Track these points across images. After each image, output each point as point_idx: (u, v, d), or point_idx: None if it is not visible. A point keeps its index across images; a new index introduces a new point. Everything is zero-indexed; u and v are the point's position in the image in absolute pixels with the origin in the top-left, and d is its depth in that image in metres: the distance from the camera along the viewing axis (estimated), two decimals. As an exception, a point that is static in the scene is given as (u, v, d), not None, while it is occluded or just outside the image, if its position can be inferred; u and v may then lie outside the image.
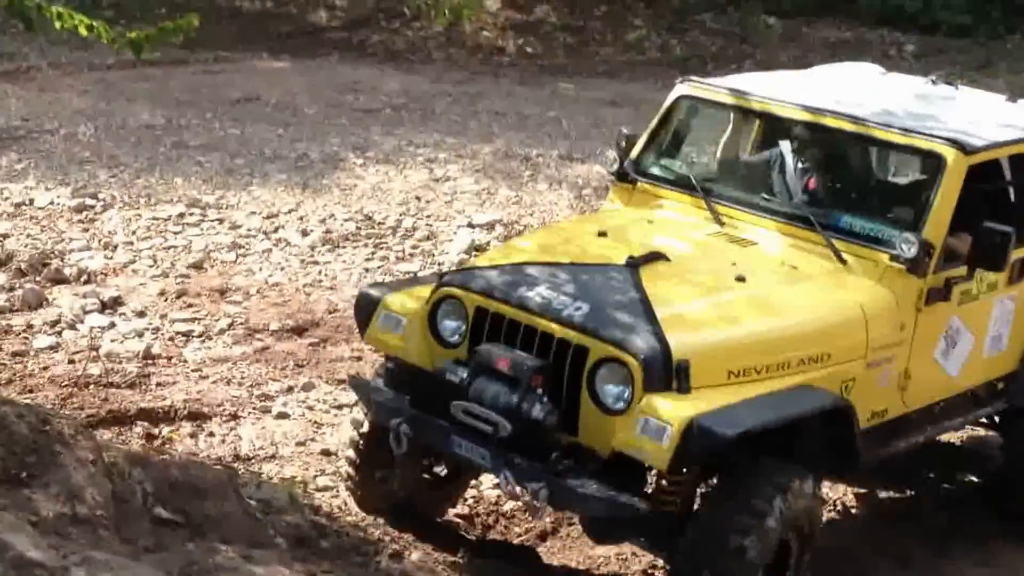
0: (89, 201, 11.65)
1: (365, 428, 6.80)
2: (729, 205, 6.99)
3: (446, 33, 19.01)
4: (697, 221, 6.95)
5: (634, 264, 6.25)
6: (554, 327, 5.94)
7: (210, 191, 12.33)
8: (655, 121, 7.49)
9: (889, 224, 6.63)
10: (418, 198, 12.49)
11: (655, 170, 7.34)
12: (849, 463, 6.29)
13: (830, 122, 7.01)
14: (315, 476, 7.80)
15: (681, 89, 7.48)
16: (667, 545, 6.04)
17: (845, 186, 7.18)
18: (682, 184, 7.18)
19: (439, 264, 11.08)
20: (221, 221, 11.61)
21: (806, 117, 7.09)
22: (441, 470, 7.04)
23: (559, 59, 17.89)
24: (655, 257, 6.35)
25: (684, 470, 5.90)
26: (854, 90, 7.51)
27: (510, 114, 15.20)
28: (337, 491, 7.61)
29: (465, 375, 6.01)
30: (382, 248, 11.37)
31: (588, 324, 5.88)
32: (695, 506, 6.15)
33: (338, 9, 19.77)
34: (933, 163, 6.67)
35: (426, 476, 7.03)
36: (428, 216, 12.09)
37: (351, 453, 6.97)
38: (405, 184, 12.84)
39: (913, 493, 8.35)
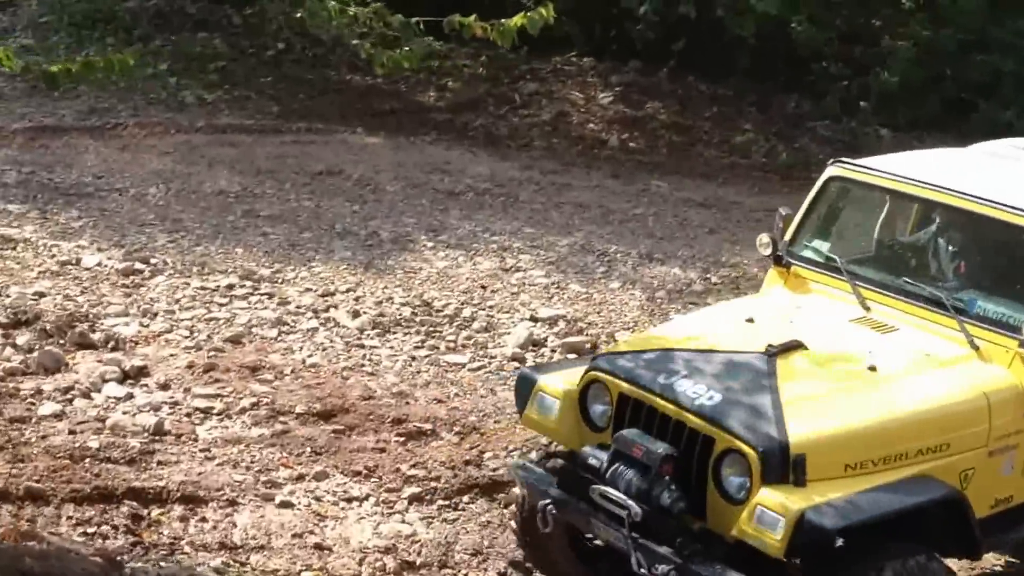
0: (139, 265, 11.44)
1: (524, 503, 7.17)
2: (875, 290, 7.16)
3: (553, 123, 18.66)
4: (843, 306, 7.13)
5: (772, 353, 6.51)
6: (686, 416, 6.27)
7: (268, 264, 12.05)
8: (806, 203, 7.66)
9: (1019, 309, 6.72)
10: (483, 287, 12.08)
11: (807, 253, 7.55)
12: (971, 550, 6.44)
13: (966, 205, 7.11)
14: (300, 571, 7.35)
15: (832, 171, 7.63)
16: None
17: (982, 269, 7.25)
18: (832, 268, 7.36)
19: (491, 358, 10.63)
20: (271, 296, 11.31)
21: (944, 199, 7.23)
22: (595, 541, 7.16)
23: (659, 157, 17.42)
24: (794, 346, 6.58)
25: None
26: (1002, 167, 7.58)
27: (595, 207, 14.74)
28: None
29: (605, 460, 6.40)
30: (434, 336, 10.96)
31: (716, 414, 6.19)
32: None
33: (448, 91, 19.54)
34: None
35: (581, 547, 7.27)
36: (490, 307, 11.66)
37: (515, 524, 7.46)
38: (473, 271, 12.45)
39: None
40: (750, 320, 7.04)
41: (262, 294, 11.31)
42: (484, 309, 11.56)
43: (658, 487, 6.20)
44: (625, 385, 6.56)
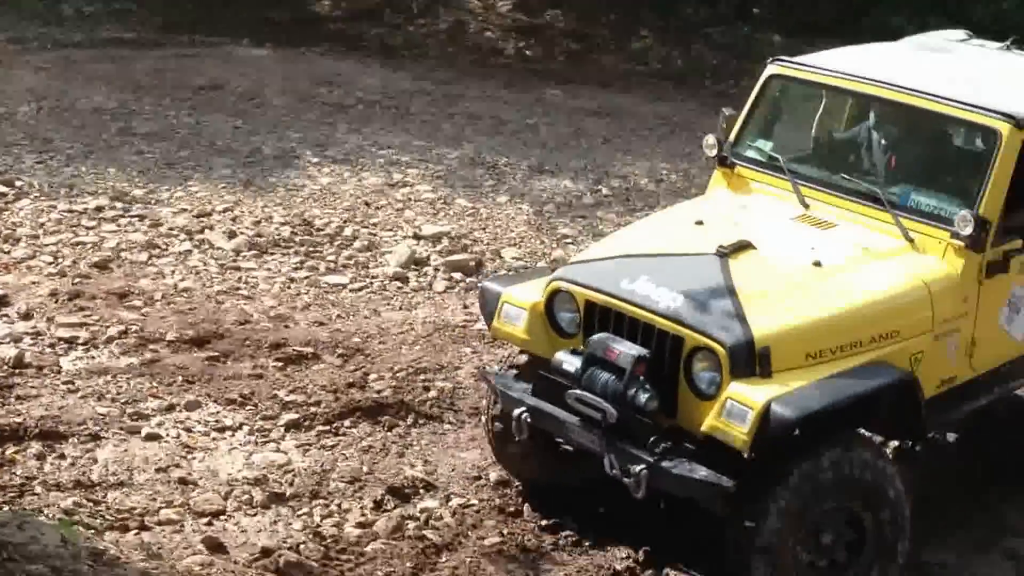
0: (2, 188, 10.97)
1: (496, 411, 7.33)
2: (815, 187, 7.38)
3: (449, 31, 18.30)
4: (785, 205, 7.37)
5: (724, 254, 6.77)
6: (654, 318, 6.52)
7: (142, 184, 11.67)
8: (748, 104, 7.79)
9: (951, 201, 6.99)
10: (367, 204, 11.78)
11: (750, 153, 7.73)
12: (917, 430, 6.85)
13: (897, 97, 7.34)
14: (159, 508, 7.08)
15: (772, 69, 7.80)
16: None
17: (914, 162, 7.49)
18: (773, 166, 7.57)
19: (372, 278, 10.36)
20: (143, 218, 10.92)
21: (882, 93, 7.43)
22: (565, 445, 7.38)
23: (556, 65, 17.15)
24: (743, 246, 6.84)
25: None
26: (928, 62, 7.80)
27: (487, 118, 14.44)
28: (182, 525, 6.92)
29: (579, 365, 6.61)
30: (314, 257, 10.66)
31: (682, 315, 6.47)
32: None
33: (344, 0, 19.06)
34: (990, 138, 6.95)
35: (556, 451, 7.41)
36: (374, 224, 11.37)
37: (487, 434, 7.61)
38: (358, 188, 12.14)
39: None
40: (699, 223, 7.23)
41: (133, 216, 10.93)
42: (367, 227, 11.26)
43: (633, 387, 6.42)
44: (591, 293, 6.79)
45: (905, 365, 6.67)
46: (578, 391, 6.62)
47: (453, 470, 7.92)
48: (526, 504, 7.60)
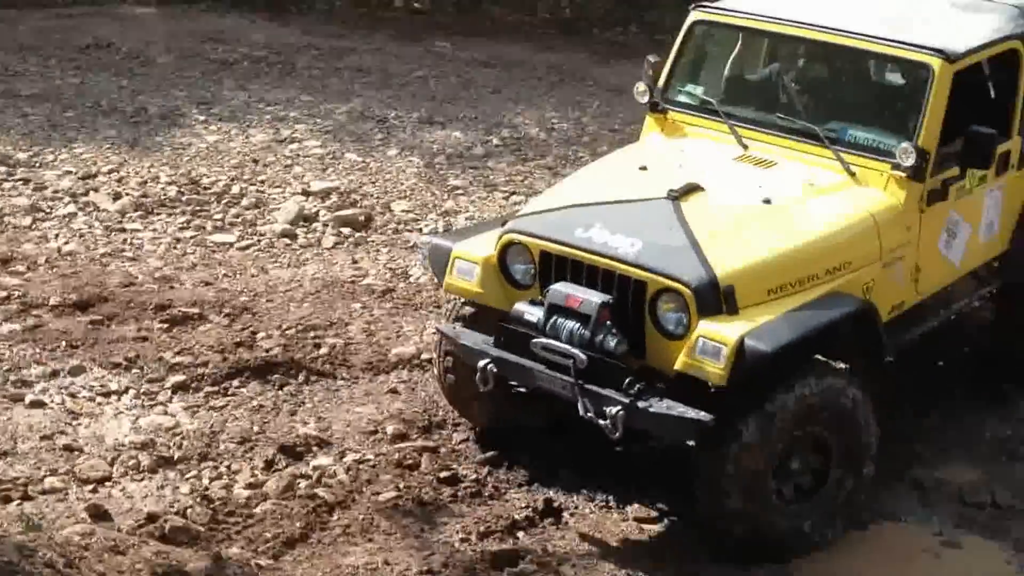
0: None
1: (449, 364, 7.47)
2: (751, 127, 7.56)
3: (338, -17, 18.01)
4: (723, 146, 7.52)
5: (675, 197, 6.92)
6: (614, 265, 6.65)
7: (26, 147, 11.48)
8: (674, 50, 7.92)
9: (889, 134, 7.23)
10: (255, 161, 11.65)
11: (682, 98, 7.89)
12: (877, 355, 6.96)
13: (828, 38, 7.55)
14: (44, 477, 6.97)
15: (694, 15, 7.91)
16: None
17: (848, 100, 7.69)
18: (707, 110, 7.73)
19: (260, 236, 10.24)
20: (27, 181, 10.72)
21: (805, 34, 7.63)
22: (519, 389, 7.46)
23: (445, 16, 16.98)
24: (692, 188, 6.99)
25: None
26: (855, 2, 7.93)
27: (376, 72, 14.29)
28: (66, 493, 6.82)
29: (540, 315, 6.73)
30: (201, 216, 10.54)
31: (644, 260, 6.61)
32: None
33: (230, -46, 18.67)
34: (922, 73, 7.21)
35: (515, 395, 7.46)
36: (261, 181, 11.25)
37: (443, 388, 7.73)
38: (245, 145, 12.00)
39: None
40: (643, 168, 7.37)
41: (17, 180, 10.75)
42: (255, 184, 11.15)
43: (600, 332, 6.57)
44: (546, 244, 6.90)
45: (859, 294, 6.92)
46: (544, 340, 6.72)
47: (348, 426, 7.87)
48: (423, 457, 7.58)
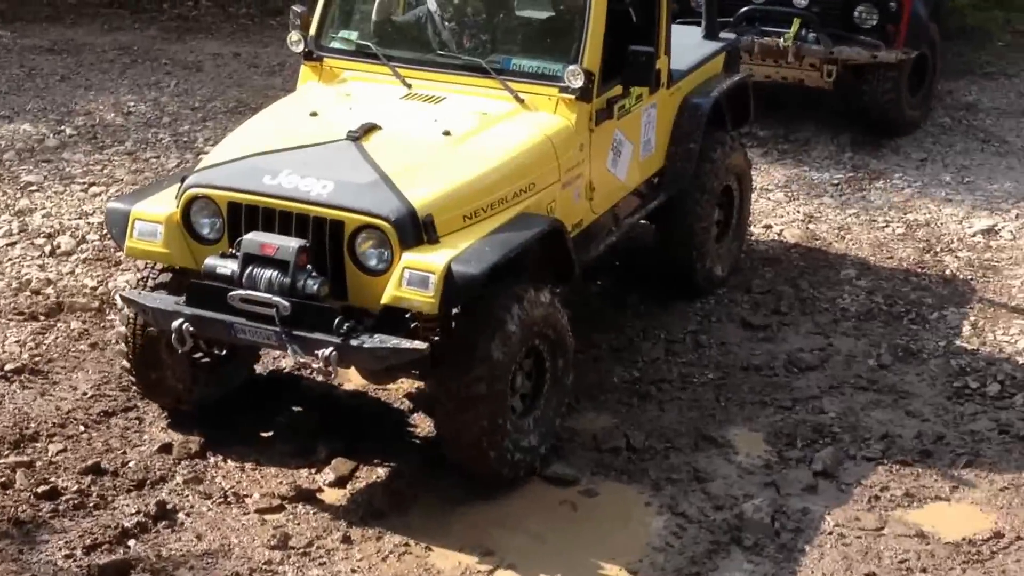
0: None
1: (129, 336, 7.23)
2: (411, 67, 7.71)
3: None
4: (388, 88, 7.66)
5: (355, 137, 7.02)
6: (308, 208, 6.63)
7: None
8: None
9: (552, 60, 7.54)
10: None
11: (336, 44, 7.98)
12: (568, 271, 7.26)
13: None
14: None
15: None
16: (434, 371, 6.83)
17: (508, 30, 7.92)
18: (363, 53, 7.87)
19: None
20: None
21: None
22: (219, 352, 7.50)
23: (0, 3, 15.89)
24: (370, 128, 7.10)
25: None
26: None
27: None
28: None
29: (235, 267, 6.58)
30: None
31: (338, 199, 6.63)
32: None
33: None
34: None
35: (205, 361, 7.44)
36: None
37: (125, 364, 7.41)
38: None
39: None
40: (314, 114, 7.42)
41: None
42: None
43: (301, 277, 6.51)
44: (234, 194, 6.79)
45: (545, 214, 7.20)
46: (241, 291, 6.56)
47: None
48: (17, 473, 6.95)
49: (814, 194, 10.76)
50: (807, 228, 10.12)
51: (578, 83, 7.34)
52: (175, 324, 6.67)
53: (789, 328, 8.71)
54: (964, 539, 6.72)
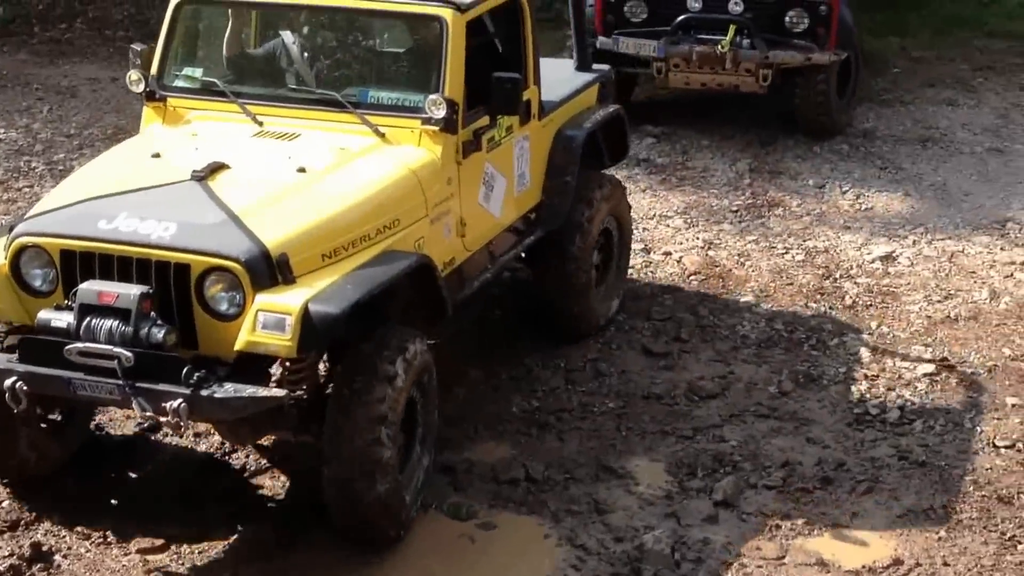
0: None
1: None
2: (262, 103, 7.47)
3: None
4: (237, 126, 7.39)
5: (201, 177, 6.71)
6: (150, 252, 6.32)
7: None
8: (163, 34, 7.68)
9: (412, 91, 7.39)
10: None
11: (180, 82, 7.69)
12: (439, 312, 7.05)
13: (330, 2, 7.62)
14: None
15: None
16: (310, 428, 6.56)
17: (364, 62, 7.82)
18: (210, 91, 7.59)
19: None
20: None
21: (302, 1, 7.67)
22: (55, 416, 7.19)
23: None
24: (218, 167, 6.80)
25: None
26: None
27: None
28: None
29: (71, 319, 6.25)
30: None
31: (182, 241, 6.32)
32: (326, 387, 6.73)
33: None
34: (436, 26, 7.36)
35: (43, 426, 7.11)
36: None
37: None
38: None
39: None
40: (156, 155, 7.12)
41: None
42: None
43: (144, 325, 6.21)
44: (68, 242, 6.48)
45: (413, 251, 7.01)
46: (79, 344, 6.21)
47: None
48: None
49: (713, 220, 10.78)
50: (707, 255, 10.13)
51: (440, 113, 7.17)
52: (7, 383, 6.29)
53: (690, 356, 8.72)
54: (864, 567, 6.73)
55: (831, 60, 11.91)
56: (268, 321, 6.15)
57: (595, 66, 9.24)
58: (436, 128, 7.22)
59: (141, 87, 7.56)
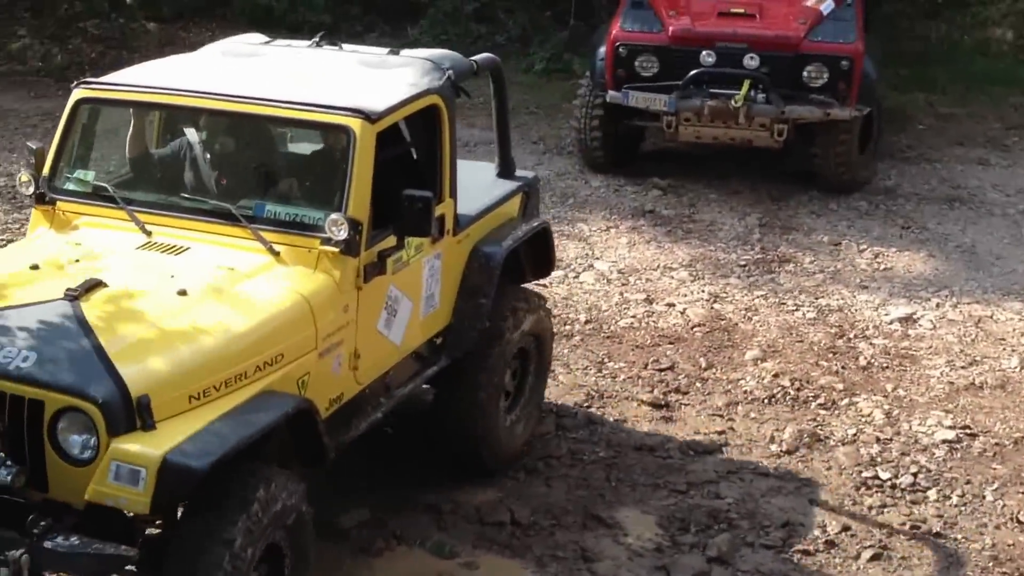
0: None
1: None
2: (153, 212, 6.95)
3: None
4: (124, 235, 6.88)
5: (74, 297, 6.20)
6: (3, 385, 5.83)
7: None
8: (58, 133, 7.25)
9: (313, 207, 6.80)
10: None
11: (71, 186, 7.19)
12: (319, 456, 6.47)
13: (230, 107, 7.03)
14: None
15: (78, 93, 7.25)
16: (160, 570, 6.00)
17: (263, 173, 7.23)
18: (100, 196, 7.08)
19: None
20: None
21: (203, 104, 7.10)
22: None
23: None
24: (94, 285, 6.30)
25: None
26: (249, 66, 7.54)
27: None
28: None
29: None
30: None
31: (38, 375, 5.83)
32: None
33: None
34: (342, 137, 6.82)
35: None
36: None
37: None
38: None
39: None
40: (35, 267, 6.61)
41: None
42: None
43: None
44: None
45: (293, 390, 6.43)
46: None
47: None
48: None
49: (720, 274, 10.58)
50: (712, 308, 9.90)
51: (341, 235, 6.56)
52: None
53: (688, 408, 8.49)
54: (872, 638, 6.44)
55: (852, 116, 11.86)
56: (122, 472, 5.66)
57: (518, 172, 8.49)
58: (336, 250, 6.62)
59: (31, 189, 7.13)
